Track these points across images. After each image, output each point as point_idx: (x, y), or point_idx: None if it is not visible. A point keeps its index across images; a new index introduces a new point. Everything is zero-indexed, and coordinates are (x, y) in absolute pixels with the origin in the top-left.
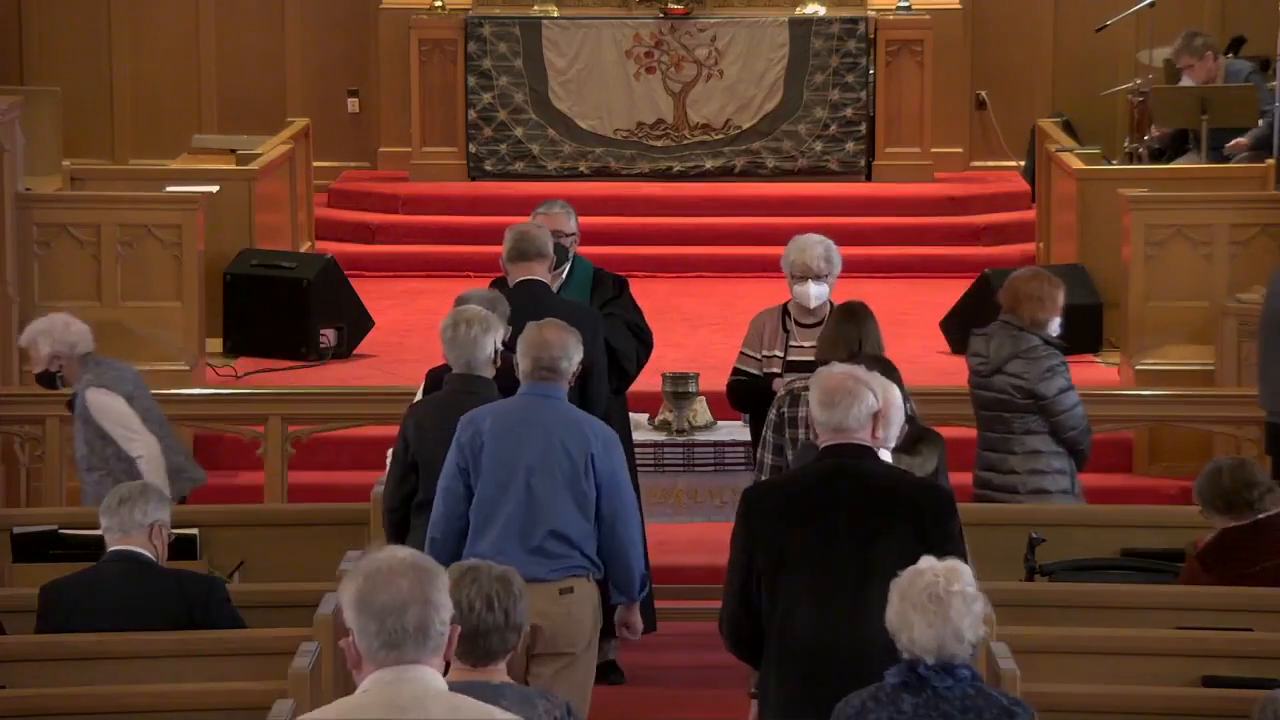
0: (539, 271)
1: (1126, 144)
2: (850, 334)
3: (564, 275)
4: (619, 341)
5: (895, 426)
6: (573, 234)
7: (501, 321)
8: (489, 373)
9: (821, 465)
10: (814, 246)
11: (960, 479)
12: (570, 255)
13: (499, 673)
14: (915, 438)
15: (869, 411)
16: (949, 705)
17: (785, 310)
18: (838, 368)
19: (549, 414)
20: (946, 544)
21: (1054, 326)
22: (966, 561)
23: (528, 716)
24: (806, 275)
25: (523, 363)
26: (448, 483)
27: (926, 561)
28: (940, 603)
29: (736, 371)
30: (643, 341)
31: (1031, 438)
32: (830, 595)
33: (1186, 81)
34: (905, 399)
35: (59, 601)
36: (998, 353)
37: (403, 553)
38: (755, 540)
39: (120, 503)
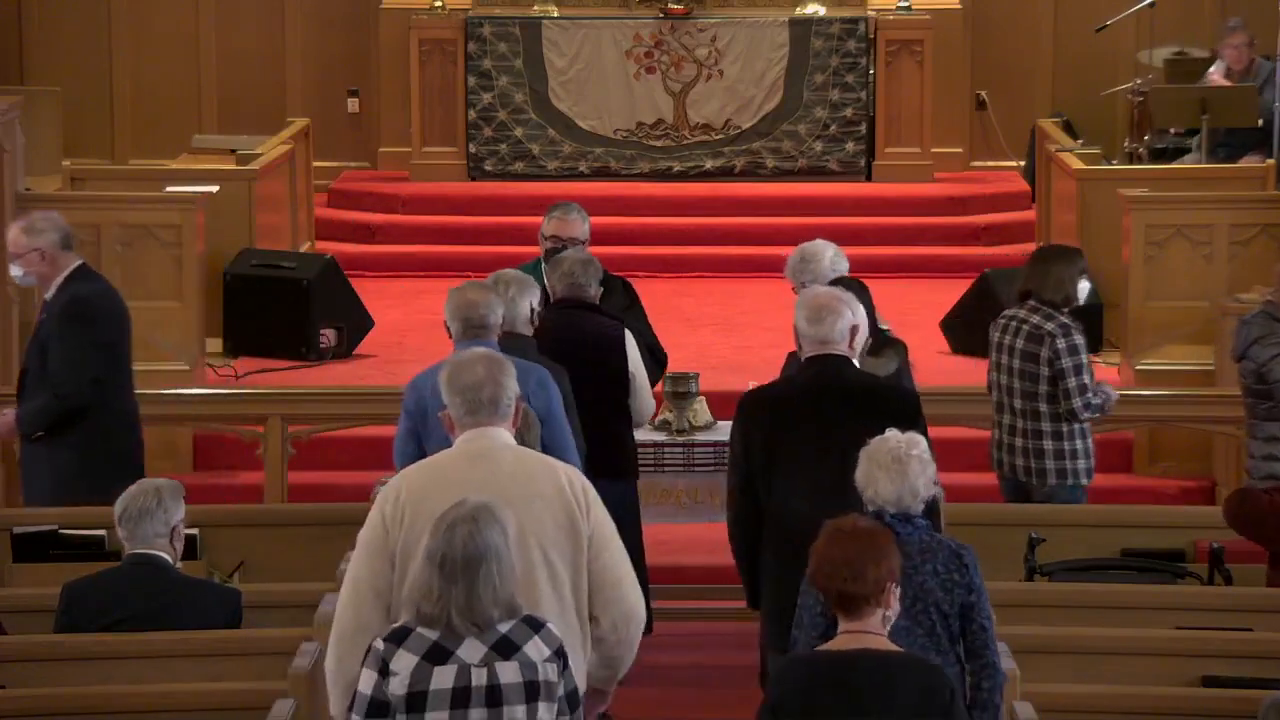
0: None
1: (1126, 144)
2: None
3: None
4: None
5: (860, 338)
6: (585, 240)
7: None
8: (528, 331)
9: (807, 373)
10: (820, 259)
11: (958, 479)
12: None
13: None
14: (882, 344)
15: (848, 326)
16: (909, 547)
17: None
18: (821, 289)
19: None
20: None
21: None
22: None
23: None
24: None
25: (454, 326)
26: (403, 447)
27: (890, 431)
28: (901, 463)
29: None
30: (658, 361)
31: (1272, 424)
32: (816, 482)
33: (1220, 65)
34: (873, 315)
35: (84, 603)
36: (1245, 338)
37: (480, 349)
38: (751, 441)
39: (140, 515)
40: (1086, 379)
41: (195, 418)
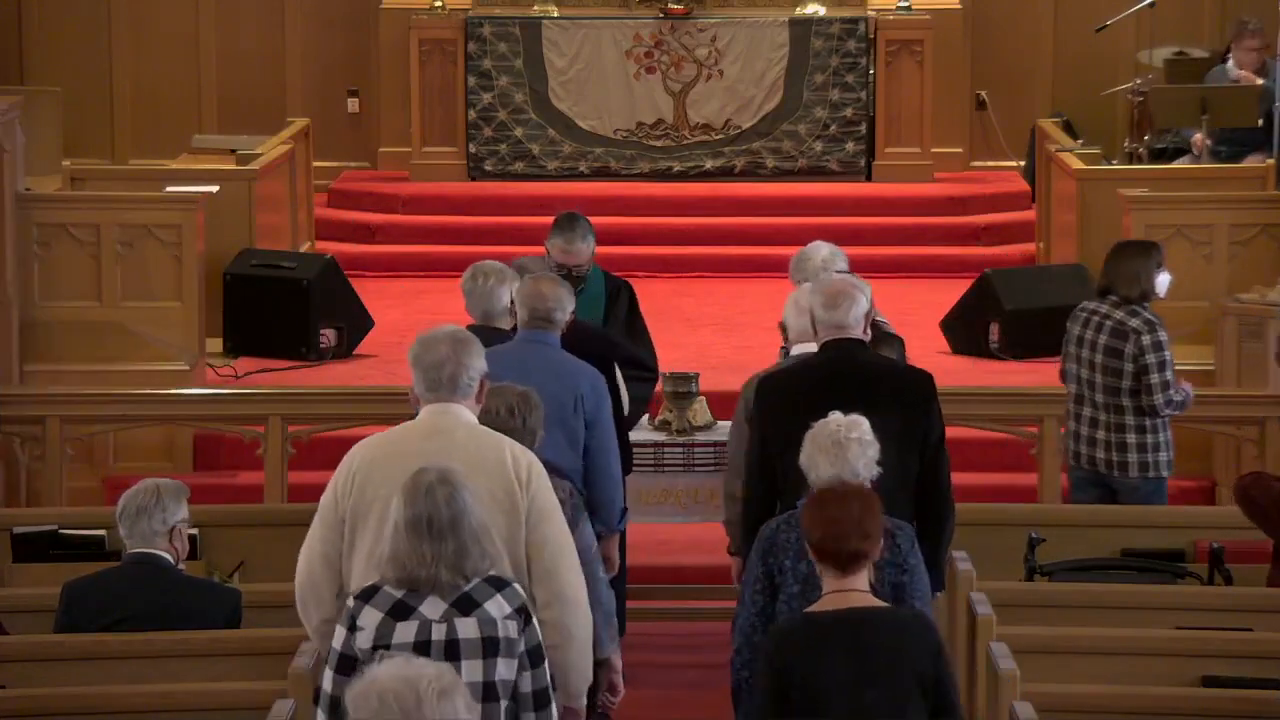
0: None
1: (1126, 144)
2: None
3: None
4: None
5: None
6: (591, 256)
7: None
8: (506, 324)
9: (824, 356)
10: (812, 258)
11: (958, 479)
12: (586, 279)
13: None
14: (879, 339)
15: (863, 312)
16: None
17: None
18: (836, 276)
19: (541, 357)
20: (925, 418)
21: None
22: (944, 439)
23: None
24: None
25: (520, 312)
26: None
27: (833, 414)
28: (840, 446)
29: None
30: (647, 381)
31: None
32: None
33: (1232, 63)
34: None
35: (84, 603)
36: None
37: (448, 327)
38: (767, 423)
39: (138, 513)
40: (1169, 375)
41: (195, 418)
